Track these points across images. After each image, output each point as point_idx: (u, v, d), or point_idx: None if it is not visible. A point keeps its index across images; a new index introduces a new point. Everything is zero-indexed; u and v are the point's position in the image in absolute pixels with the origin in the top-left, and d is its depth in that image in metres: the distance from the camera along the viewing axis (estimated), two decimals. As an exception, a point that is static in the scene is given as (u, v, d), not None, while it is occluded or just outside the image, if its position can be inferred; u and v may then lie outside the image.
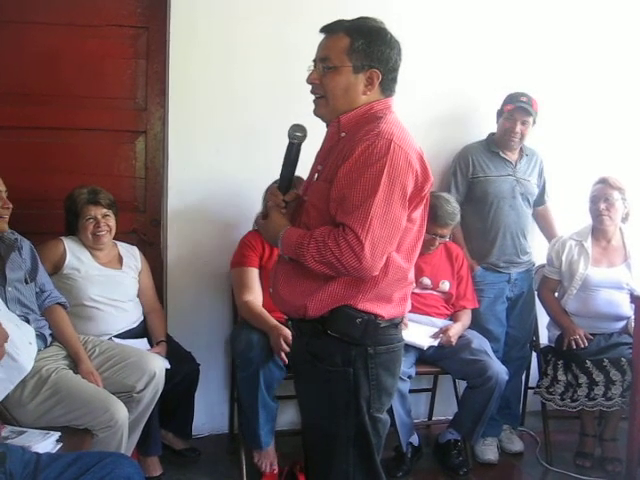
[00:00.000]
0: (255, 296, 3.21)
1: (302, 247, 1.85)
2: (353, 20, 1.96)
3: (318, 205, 1.93)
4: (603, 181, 3.53)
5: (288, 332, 2.90)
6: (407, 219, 1.91)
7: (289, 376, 2.97)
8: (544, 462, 3.52)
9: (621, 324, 3.52)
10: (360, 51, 1.91)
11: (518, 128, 3.51)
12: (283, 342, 2.92)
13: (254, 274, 3.25)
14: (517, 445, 3.66)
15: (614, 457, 3.42)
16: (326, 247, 1.81)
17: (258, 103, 3.50)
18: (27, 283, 2.78)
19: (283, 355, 2.93)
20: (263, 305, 3.20)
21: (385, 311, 1.95)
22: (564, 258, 3.58)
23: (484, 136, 3.70)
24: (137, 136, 3.56)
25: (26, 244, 2.83)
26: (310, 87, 2.02)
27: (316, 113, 2.02)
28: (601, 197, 3.50)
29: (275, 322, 3.04)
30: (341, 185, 1.85)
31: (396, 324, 2.01)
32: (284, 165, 2.03)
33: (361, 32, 1.92)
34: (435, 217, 3.27)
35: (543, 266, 3.75)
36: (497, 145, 3.62)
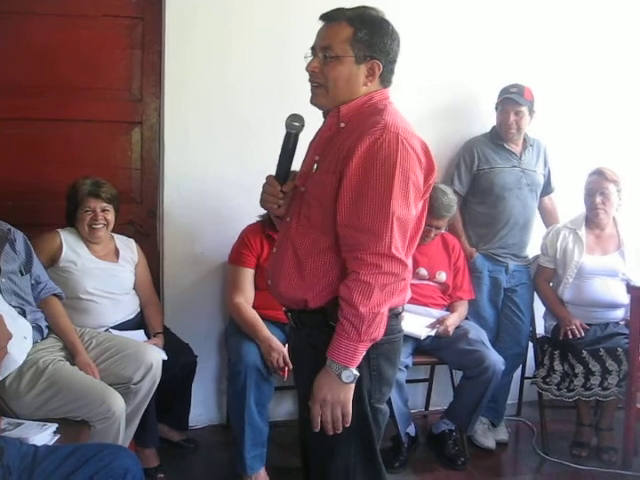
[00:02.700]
0: (246, 298, 3.19)
1: (358, 320, 1.76)
2: (354, 9, 1.93)
3: (320, 196, 1.91)
4: (599, 173, 3.53)
5: (282, 348, 2.92)
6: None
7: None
8: (540, 452, 3.53)
9: (616, 312, 3.53)
10: (363, 41, 1.88)
11: (512, 119, 3.53)
12: (281, 359, 2.91)
13: (249, 275, 3.23)
14: (490, 442, 3.58)
15: (610, 446, 3.43)
16: (369, 285, 1.77)
17: (254, 93, 3.49)
18: (22, 275, 2.76)
19: (286, 370, 2.91)
20: (257, 303, 3.19)
21: None
22: (558, 246, 3.59)
23: (488, 129, 3.71)
24: (133, 127, 3.55)
25: (19, 236, 2.80)
26: (306, 76, 1.97)
27: (313, 102, 1.98)
28: (597, 190, 3.51)
29: (266, 333, 3.02)
30: (351, 184, 1.81)
31: (397, 314, 2.00)
32: (281, 155, 2.00)
33: (364, 22, 1.89)
34: (432, 209, 3.27)
35: (538, 256, 3.76)
36: (500, 138, 3.63)
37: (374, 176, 1.79)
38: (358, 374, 1.81)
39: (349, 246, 1.83)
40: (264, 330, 3.05)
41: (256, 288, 3.23)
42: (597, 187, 3.51)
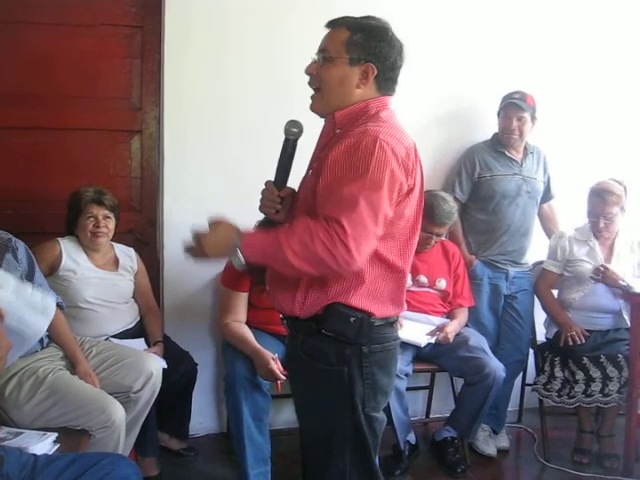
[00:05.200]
0: (236, 318, 3.15)
1: (279, 246, 1.76)
2: (358, 17, 1.97)
3: (307, 199, 1.92)
4: (601, 197, 3.47)
5: (272, 363, 2.88)
6: (397, 216, 1.88)
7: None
8: (541, 459, 3.52)
9: (617, 318, 3.51)
10: (357, 44, 1.91)
11: (514, 124, 3.53)
12: (276, 370, 2.87)
13: (242, 298, 3.17)
14: (491, 449, 3.58)
15: (611, 453, 3.42)
16: (315, 240, 1.73)
17: (253, 101, 3.49)
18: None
19: (279, 383, 2.89)
20: (257, 320, 3.17)
21: (377, 309, 1.93)
22: (567, 250, 3.59)
23: (489, 136, 3.71)
24: (132, 136, 3.55)
25: (21, 245, 2.79)
26: (304, 84, 2.00)
27: (312, 108, 2.00)
28: (599, 214, 3.50)
29: (256, 346, 2.98)
30: (326, 181, 1.83)
31: (391, 323, 2.00)
32: (280, 161, 2.01)
33: (361, 27, 1.93)
34: (432, 216, 3.28)
35: (540, 263, 3.76)
36: (501, 144, 3.63)
37: (348, 175, 1.79)
38: (243, 263, 1.85)
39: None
40: (252, 343, 3.01)
41: (255, 307, 3.20)
42: (600, 211, 3.49)
